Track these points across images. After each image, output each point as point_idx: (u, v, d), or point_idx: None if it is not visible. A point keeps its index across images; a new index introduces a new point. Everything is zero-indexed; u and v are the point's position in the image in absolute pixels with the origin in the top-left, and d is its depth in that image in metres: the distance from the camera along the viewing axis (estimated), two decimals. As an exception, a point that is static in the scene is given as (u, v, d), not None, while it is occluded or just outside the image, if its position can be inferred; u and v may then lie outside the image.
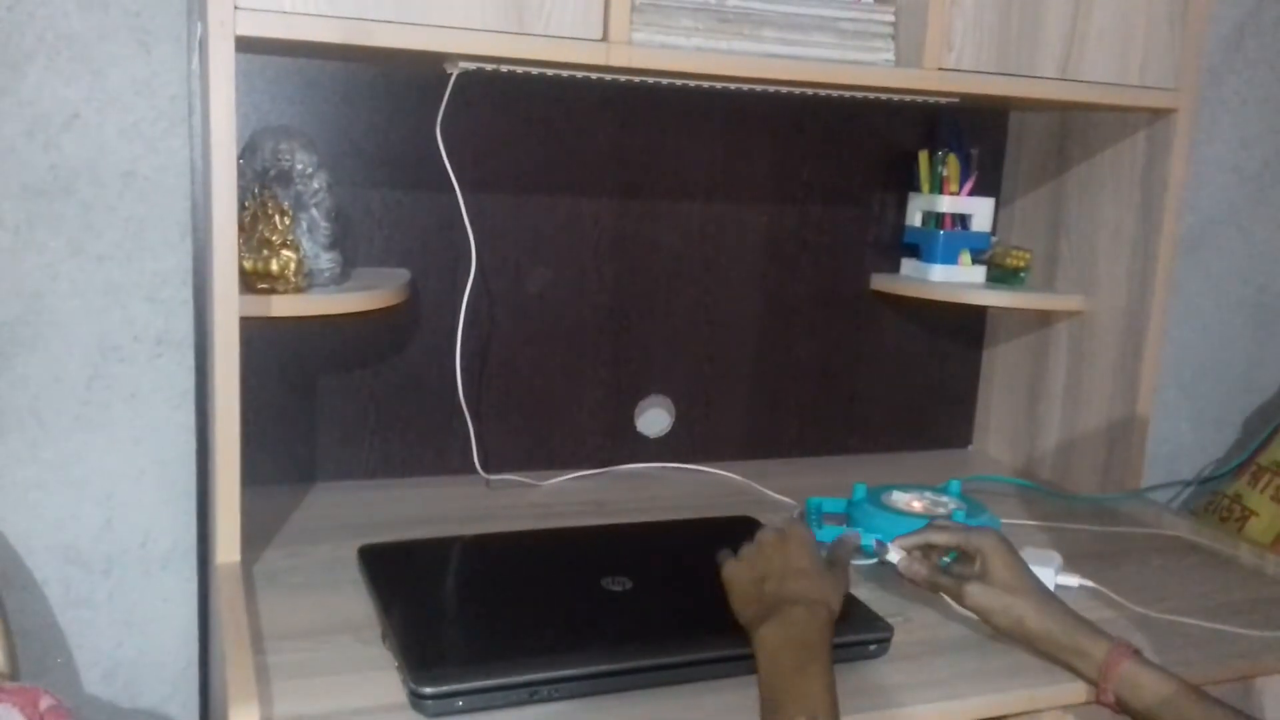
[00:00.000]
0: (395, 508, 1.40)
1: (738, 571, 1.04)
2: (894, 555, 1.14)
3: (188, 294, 1.41)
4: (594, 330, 1.56)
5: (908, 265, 1.67)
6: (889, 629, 1.08)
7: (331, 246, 1.29)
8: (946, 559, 1.15)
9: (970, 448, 1.82)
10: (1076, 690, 1.05)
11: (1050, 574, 1.23)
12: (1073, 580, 1.24)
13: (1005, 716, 1.04)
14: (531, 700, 0.95)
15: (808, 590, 0.97)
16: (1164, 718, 0.96)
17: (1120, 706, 1.00)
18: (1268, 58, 1.95)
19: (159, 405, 1.42)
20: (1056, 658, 1.05)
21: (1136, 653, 1.01)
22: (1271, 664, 1.13)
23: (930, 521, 1.17)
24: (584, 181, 1.51)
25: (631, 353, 1.59)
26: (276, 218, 1.23)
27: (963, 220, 1.62)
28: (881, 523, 1.28)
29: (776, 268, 1.64)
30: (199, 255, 1.39)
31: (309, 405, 1.45)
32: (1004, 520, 1.33)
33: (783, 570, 1.00)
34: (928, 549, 1.15)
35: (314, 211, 1.27)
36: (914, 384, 1.76)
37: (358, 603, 1.12)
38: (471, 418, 1.49)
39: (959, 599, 1.10)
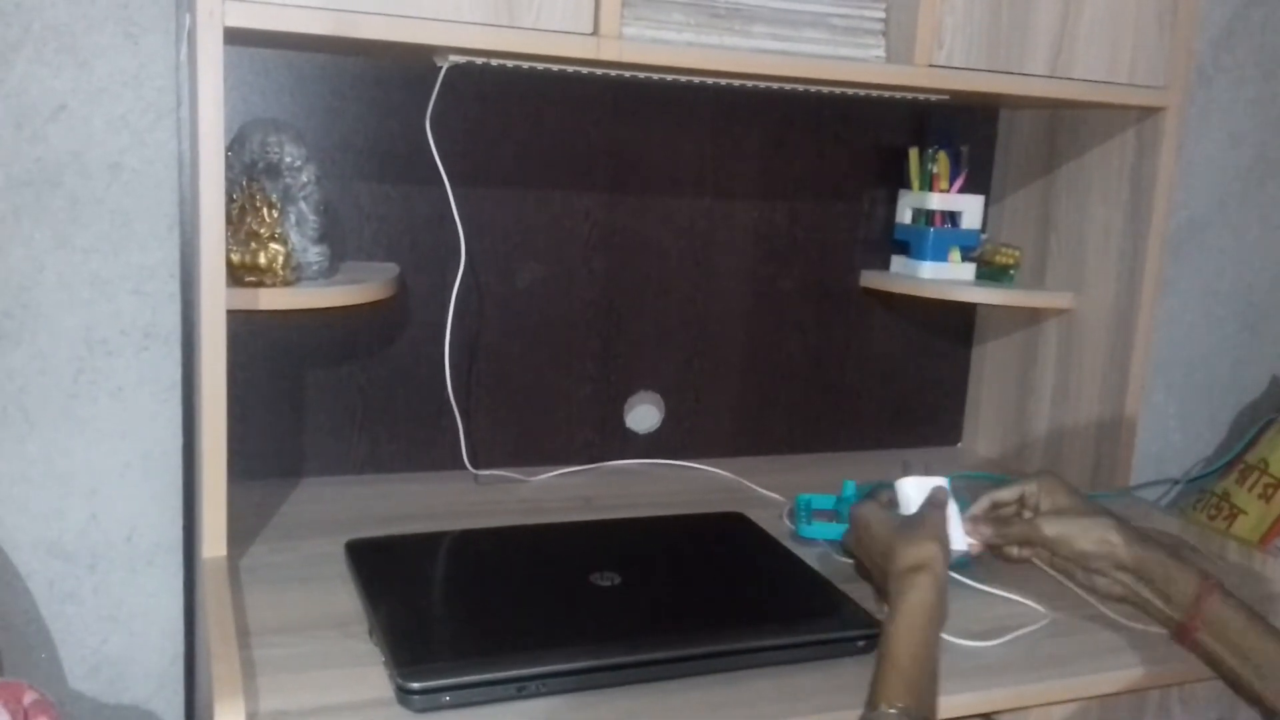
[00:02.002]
0: (383, 503, 1.39)
1: (862, 574, 1.09)
2: (966, 541, 1.11)
3: (175, 287, 1.40)
4: (583, 326, 1.56)
5: (897, 262, 1.67)
6: (876, 625, 1.08)
7: (320, 240, 1.29)
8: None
9: (959, 445, 1.82)
10: (1064, 688, 1.06)
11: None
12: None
13: (993, 712, 1.04)
14: (519, 695, 0.95)
15: (898, 562, 0.97)
16: (1246, 652, 0.95)
17: (1197, 644, 0.99)
18: (1256, 57, 1.96)
19: (145, 399, 1.42)
20: (1144, 580, 1.03)
21: (1221, 585, 0.99)
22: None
23: (984, 494, 1.15)
24: (574, 176, 1.51)
25: (621, 348, 1.58)
26: (264, 211, 1.22)
27: (952, 218, 1.62)
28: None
29: (766, 264, 1.64)
30: (186, 248, 1.38)
31: (296, 399, 1.44)
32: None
33: (870, 555, 1.03)
34: (991, 510, 1.14)
35: (302, 205, 1.27)
36: (903, 381, 1.76)
37: (345, 598, 1.12)
38: (460, 413, 1.48)
39: (1032, 539, 1.08)
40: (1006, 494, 1.13)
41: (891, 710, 0.84)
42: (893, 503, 1.11)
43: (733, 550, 1.27)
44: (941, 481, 1.10)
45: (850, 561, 1.14)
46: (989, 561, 1.26)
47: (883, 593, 1.01)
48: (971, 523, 1.11)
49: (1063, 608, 1.20)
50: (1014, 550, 1.11)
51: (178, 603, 1.48)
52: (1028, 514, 1.11)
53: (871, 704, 0.86)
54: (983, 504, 1.14)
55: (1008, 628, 1.13)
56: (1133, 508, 1.52)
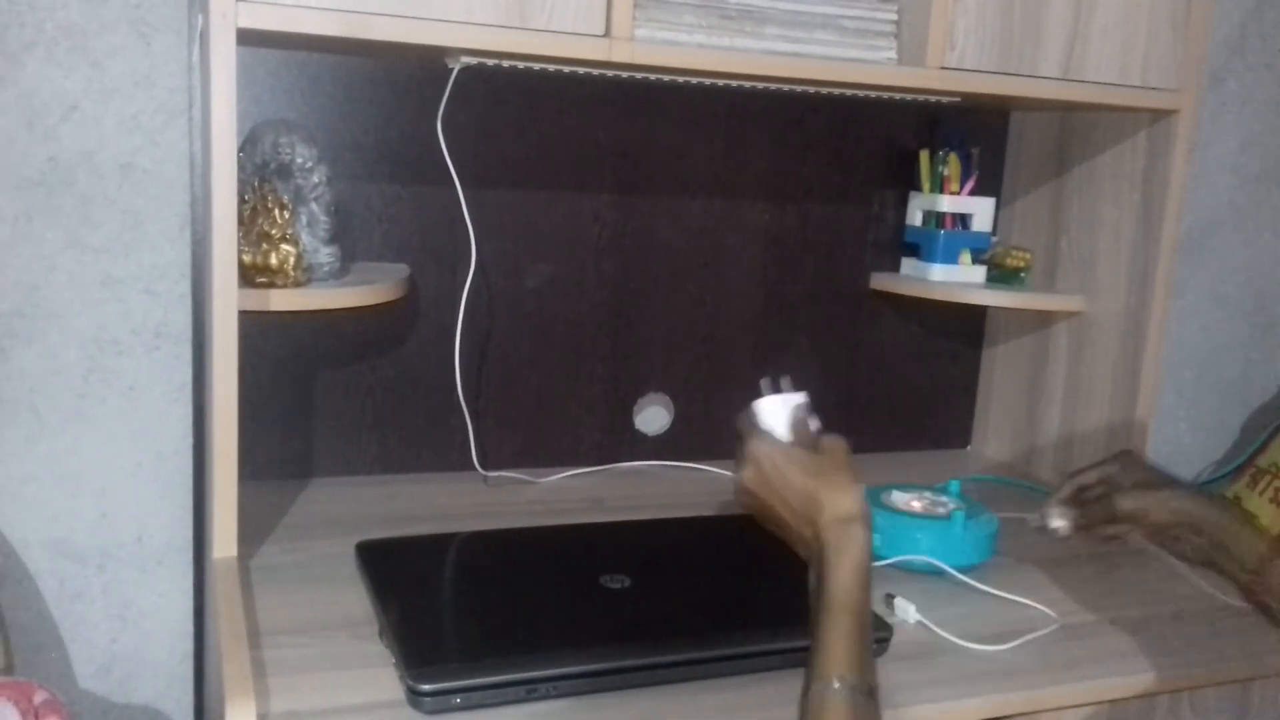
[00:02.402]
0: (393, 504, 1.39)
1: (768, 519, 0.95)
2: (1057, 522, 1.15)
3: (186, 287, 1.40)
4: (593, 327, 1.56)
5: (908, 265, 1.67)
6: (888, 628, 1.08)
7: (331, 241, 1.29)
8: None
9: (969, 448, 1.82)
10: (1074, 692, 1.05)
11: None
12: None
13: (1004, 717, 1.04)
14: (529, 698, 0.95)
15: (827, 511, 0.88)
16: None
17: (1263, 603, 1.01)
18: (1268, 59, 1.95)
19: (156, 399, 1.42)
20: (1216, 544, 1.04)
21: None
22: (1272, 667, 1.13)
23: (1068, 477, 1.19)
24: (584, 178, 1.51)
25: (630, 350, 1.58)
26: (276, 211, 1.23)
27: (963, 220, 1.62)
28: (881, 523, 1.28)
29: (776, 266, 1.63)
30: (197, 248, 1.38)
31: (307, 400, 1.45)
32: (1002, 518, 1.33)
33: (787, 501, 0.91)
34: (1077, 493, 1.16)
35: (313, 206, 1.27)
36: (913, 384, 1.76)
37: (355, 599, 1.12)
38: (470, 414, 1.48)
39: (1113, 515, 1.10)
40: (1089, 476, 1.16)
41: (840, 685, 0.77)
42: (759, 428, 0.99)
43: (743, 552, 1.27)
44: (800, 398, 1.00)
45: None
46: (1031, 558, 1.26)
47: (802, 543, 0.91)
48: (1059, 505, 1.15)
49: (1073, 612, 1.19)
50: (1107, 530, 1.13)
51: (188, 602, 1.48)
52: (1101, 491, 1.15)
53: (818, 674, 0.78)
54: (1068, 488, 1.17)
55: (1019, 632, 1.13)
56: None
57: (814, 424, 0.99)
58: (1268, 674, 1.14)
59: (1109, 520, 1.12)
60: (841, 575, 0.83)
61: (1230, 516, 1.06)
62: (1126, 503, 1.11)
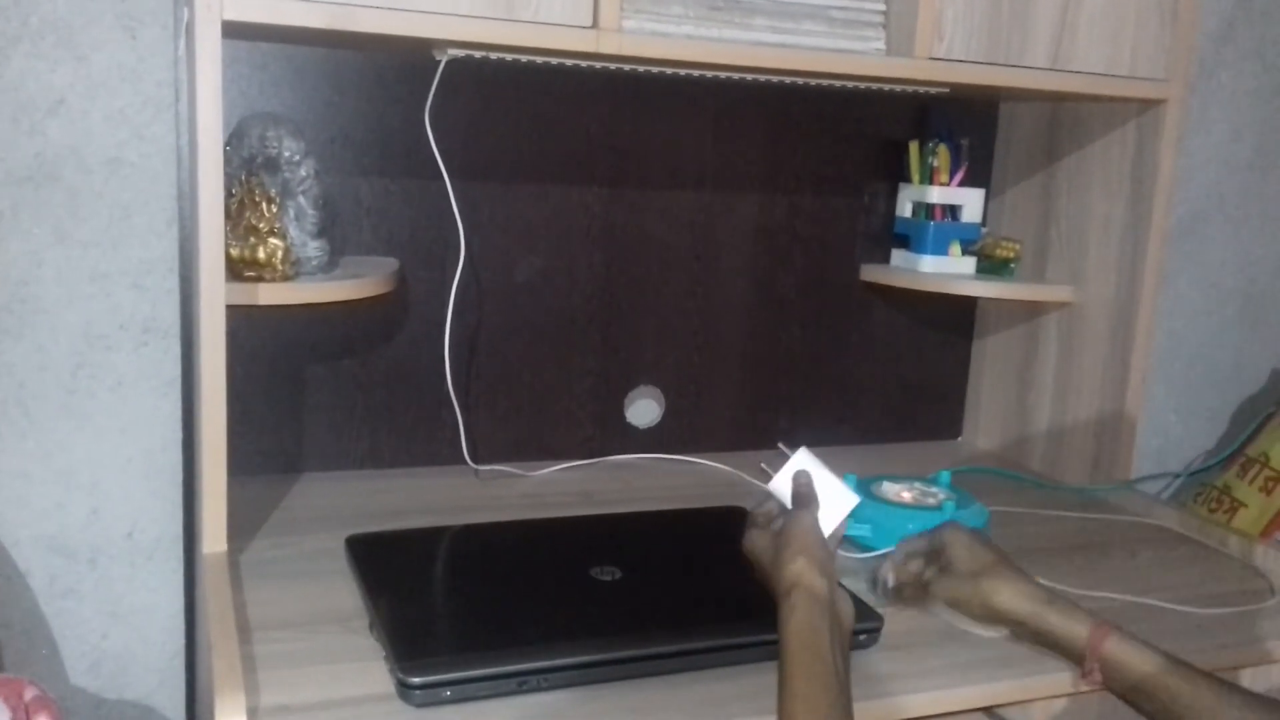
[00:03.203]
0: (383, 498, 1.39)
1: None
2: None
3: (174, 282, 1.40)
4: (584, 320, 1.55)
5: (898, 256, 1.67)
6: (879, 618, 1.08)
7: (319, 234, 1.29)
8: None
9: (959, 439, 1.82)
10: (1068, 680, 1.05)
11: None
12: None
13: (995, 706, 1.04)
14: (520, 690, 0.95)
15: (777, 590, 0.92)
16: (1151, 692, 0.92)
17: (1107, 684, 0.95)
18: (1257, 49, 1.95)
19: (145, 394, 1.42)
20: (1036, 638, 1.00)
21: (1117, 629, 0.96)
22: (1259, 655, 1.14)
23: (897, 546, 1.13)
24: (574, 170, 1.51)
25: (621, 343, 1.58)
26: (263, 205, 1.22)
27: (953, 211, 1.62)
28: (872, 514, 1.28)
29: (767, 258, 1.63)
30: (185, 243, 1.38)
31: (296, 395, 1.44)
32: (992, 509, 1.33)
33: (768, 588, 0.95)
34: (905, 561, 1.11)
35: (301, 199, 1.26)
36: (904, 375, 1.76)
37: (345, 593, 1.12)
38: (460, 408, 1.48)
39: (932, 600, 1.06)
40: (916, 546, 1.11)
41: None
42: (779, 509, 1.03)
43: (733, 544, 1.26)
44: (800, 459, 1.03)
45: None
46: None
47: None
48: (889, 572, 1.11)
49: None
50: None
51: (178, 598, 1.47)
52: (930, 571, 1.09)
53: None
54: (898, 555, 1.12)
55: (1009, 621, 1.13)
56: (1133, 501, 1.53)
57: (821, 476, 1.01)
58: (1258, 661, 1.14)
59: (925, 602, 1.08)
60: (787, 641, 0.86)
61: (1050, 606, 0.99)
62: (941, 589, 1.05)
